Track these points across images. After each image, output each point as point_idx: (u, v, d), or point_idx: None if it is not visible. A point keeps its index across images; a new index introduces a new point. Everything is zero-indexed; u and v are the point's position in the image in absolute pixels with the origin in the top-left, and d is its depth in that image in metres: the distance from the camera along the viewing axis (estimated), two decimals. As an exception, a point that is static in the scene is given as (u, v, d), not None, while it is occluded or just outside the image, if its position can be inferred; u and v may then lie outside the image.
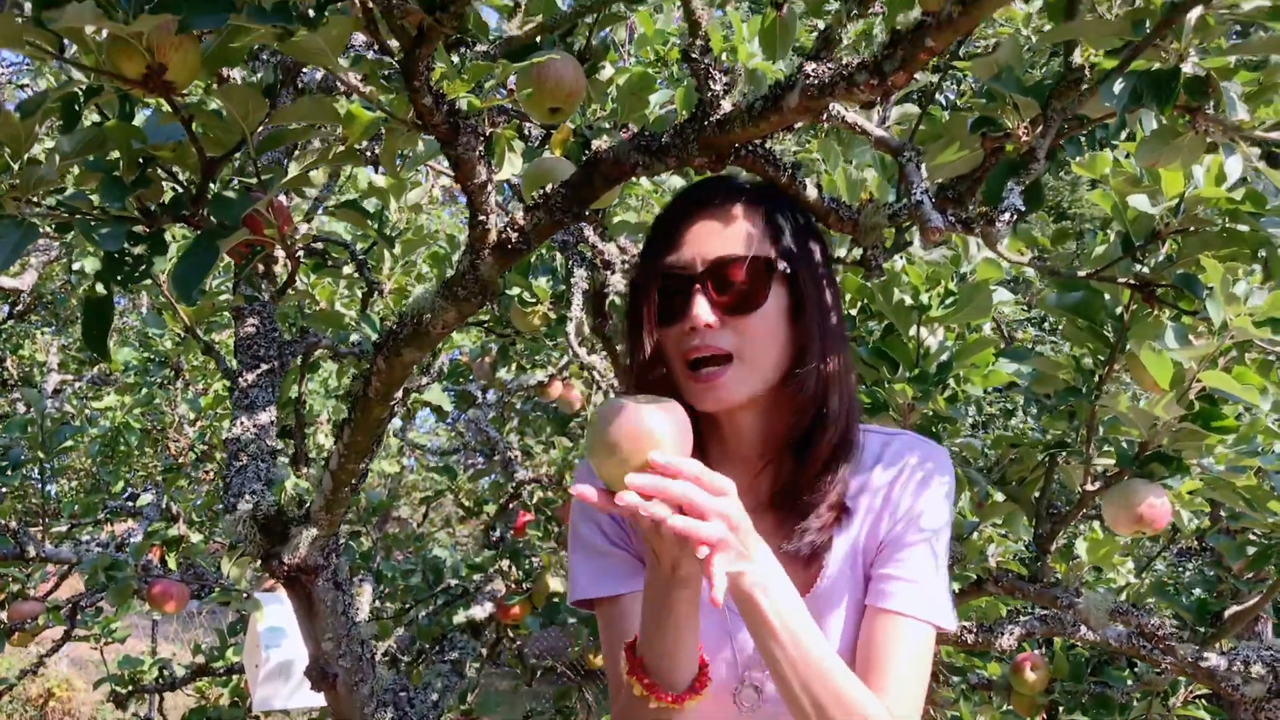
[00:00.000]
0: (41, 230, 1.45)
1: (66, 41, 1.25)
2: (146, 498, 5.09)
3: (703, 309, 1.30)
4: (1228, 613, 2.47)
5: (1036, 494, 2.21)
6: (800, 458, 1.34)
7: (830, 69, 1.30)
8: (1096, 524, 2.82)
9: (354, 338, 2.57)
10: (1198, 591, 2.74)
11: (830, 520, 1.32)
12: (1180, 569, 7.00)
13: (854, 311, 2.17)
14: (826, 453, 1.33)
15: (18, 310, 8.20)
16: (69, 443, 3.57)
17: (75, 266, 4.25)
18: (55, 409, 4.58)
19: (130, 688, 4.01)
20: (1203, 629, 2.56)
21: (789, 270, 1.35)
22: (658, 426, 1.10)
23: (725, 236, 1.35)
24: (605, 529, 1.42)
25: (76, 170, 1.50)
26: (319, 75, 2.27)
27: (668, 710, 1.20)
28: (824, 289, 1.39)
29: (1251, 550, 2.27)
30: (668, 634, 1.17)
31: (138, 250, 1.52)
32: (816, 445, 1.33)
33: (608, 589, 1.38)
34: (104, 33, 1.23)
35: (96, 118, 1.48)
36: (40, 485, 3.46)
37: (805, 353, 1.34)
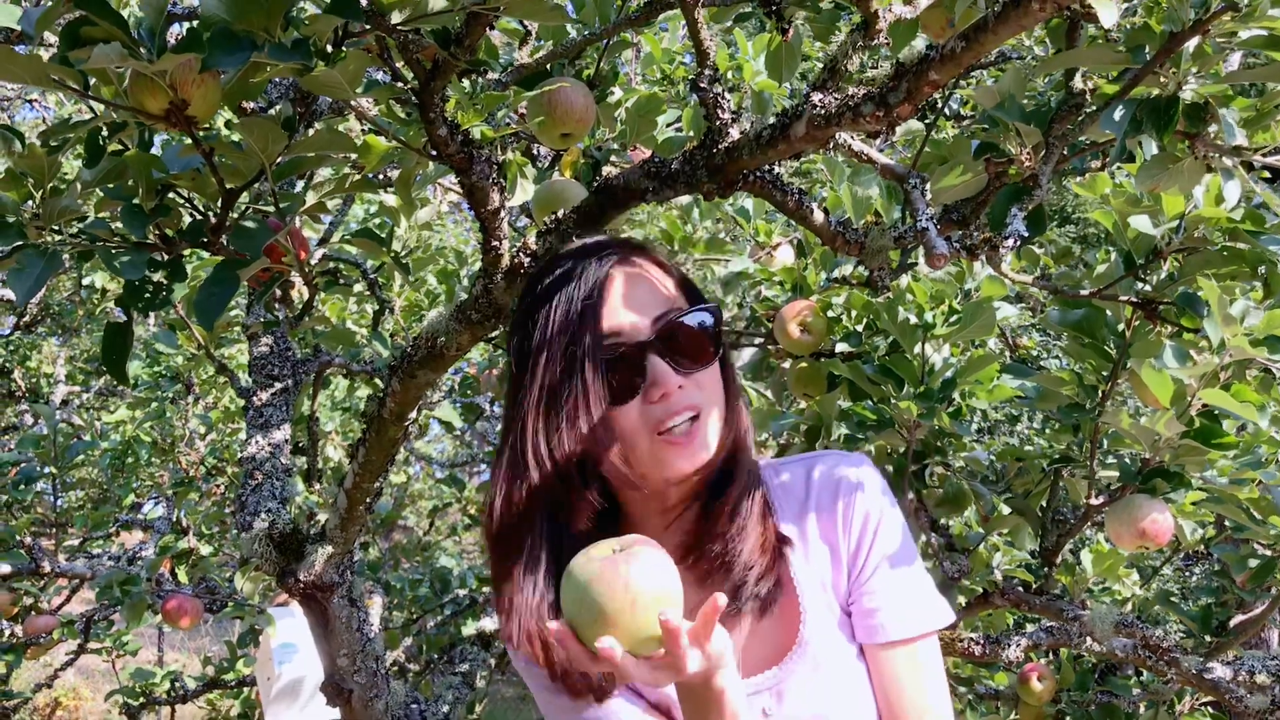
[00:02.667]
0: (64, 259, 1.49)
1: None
2: (156, 510, 5.13)
3: (669, 374, 1.21)
4: (1233, 622, 2.50)
5: (1041, 506, 2.23)
6: (707, 507, 1.28)
7: (836, 99, 1.33)
8: (1102, 536, 2.84)
9: (365, 354, 2.60)
10: (1204, 600, 2.76)
11: (766, 566, 1.26)
12: (1187, 574, 7.02)
13: (859, 328, 2.19)
14: (734, 498, 1.27)
15: (25, 321, 8.24)
16: (80, 458, 3.60)
17: (85, 281, 4.29)
18: (64, 421, 4.61)
19: (142, 700, 4.04)
20: (1208, 638, 2.58)
21: (717, 317, 1.30)
22: (666, 584, 1.03)
23: (653, 294, 1.27)
24: None
25: (96, 197, 1.54)
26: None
27: None
28: (723, 333, 1.34)
29: (1255, 563, 2.29)
30: None
31: (157, 276, 1.55)
32: (726, 492, 1.28)
33: None
34: (127, 70, 1.27)
35: (115, 146, 1.50)
36: (53, 500, 3.49)
37: (730, 400, 1.30)
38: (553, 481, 1.22)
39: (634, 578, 1.01)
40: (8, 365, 8.54)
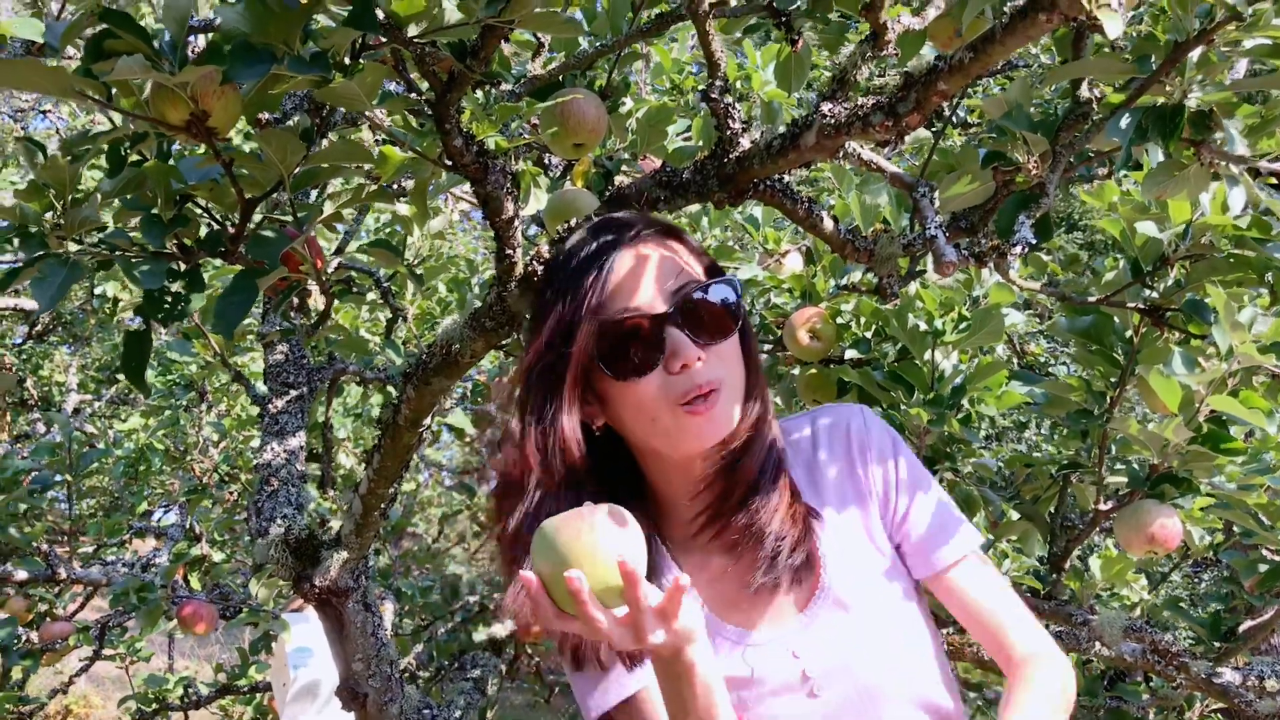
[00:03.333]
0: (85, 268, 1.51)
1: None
2: (168, 518, 5.16)
3: (688, 345, 1.22)
4: (1242, 628, 2.50)
5: (1050, 512, 2.25)
6: (730, 479, 1.30)
7: (846, 109, 1.35)
8: (1110, 541, 2.85)
9: (378, 362, 2.62)
10: (1213, 605, 2.76)
11: (798, 538, 1.28)
12: (1196, 580, 7.01)
13: (868, 335, 2.21)
14: (754, 470, 1.29)
15: (36, 330, 8.29)
16: (94, 465, 3.63)
17: (98, 290, 4.32)
18: (77, 429, 4.64)
19: (155, 706, 4.06)
20: (1218, 644, 2.58)
21: (736, 290, 1.31)
22: (627, 538, 1.07)
23: (667, 268, 1.27)
24: None
25: (115, 207, 1.56)
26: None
27: None
28: (746, 310, 1.36)
29: (1264, 568, 2.30)
30: (697, 706, 1.13)
31: (176, 286, 1.57)
32: (744, 464, 1.29)
33: (616, 694, 1.29)
34: (148, 81, 1.29)
35: (134, 157, 1.53)
36: (68, 508, 3.52)
37: (751, 374, 1.31)
38: (550, 460, 1.24)
39: (596, 528, 1.06)
40: (20, 374, 8.58)
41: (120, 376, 7.48)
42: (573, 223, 1.57)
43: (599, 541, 1.06)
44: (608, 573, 1.04)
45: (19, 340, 8.69)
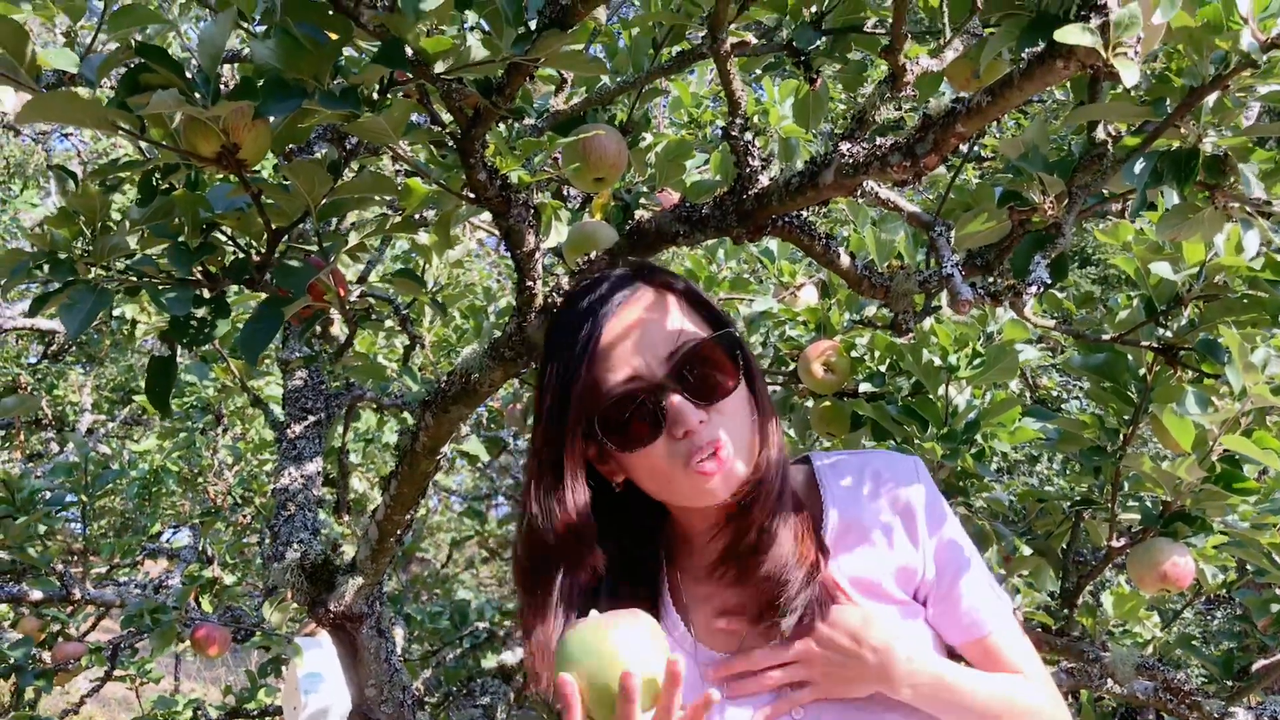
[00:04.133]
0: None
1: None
2: (179, 538, 5.17)
3: (689, 411, 1.21)
4: (1255, 666, 2.50)
5: (1063, 548, 2.25)
6: (740, 526, 1.29)
7: (864, 149, 1.37)
8: (1123, 578, 2.85)
9: (395, 388, 2.64)
10: (1225, 643, 2.76)
11: (804, 580, 1.26)
12: (1209, 617, 6.97)
13: (883, 368, 2.23)
14: (760, 519, 1.27)
15: (52, 350, 8.34)
16: (109, 486, 3.65)
17: (115, 312, 4.35)
18: (92, 449, 4.67)
19: (164, 728, 4.07)
20: (1230, 683, 2.58)
21: (736, 340, 1.30)
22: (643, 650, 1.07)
23: (663, 326, 1.26)
24: None
25: (141, 235, 1.58)
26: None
27: None
28: (750, 352, 1.35)
29: (1276, 608, 2.30)
30: None
31: (201, 313, 1.60)
32: (752, 513, 1.28)
33: None
34: (178, 115, 1.32)
35: (163, 185, 1.55)
36: (83, 528, 3.54)
37: (762, 419, 1.30)
38: (563, 534, 1.25)
39: (624, 637, 1.07)
40: (35, 393, 8.62)
41: (135, 397, 7.52)
42: (586, 257, 1.60)
43: (628, 649, 1.06)
44: (643, 681, 1.04)
45: (35, 359, 8.74)
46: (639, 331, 1.24)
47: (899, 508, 1.33)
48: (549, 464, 1.26)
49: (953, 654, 1.36)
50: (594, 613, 1.12)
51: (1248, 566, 2.46)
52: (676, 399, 1.22)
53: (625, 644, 1.06)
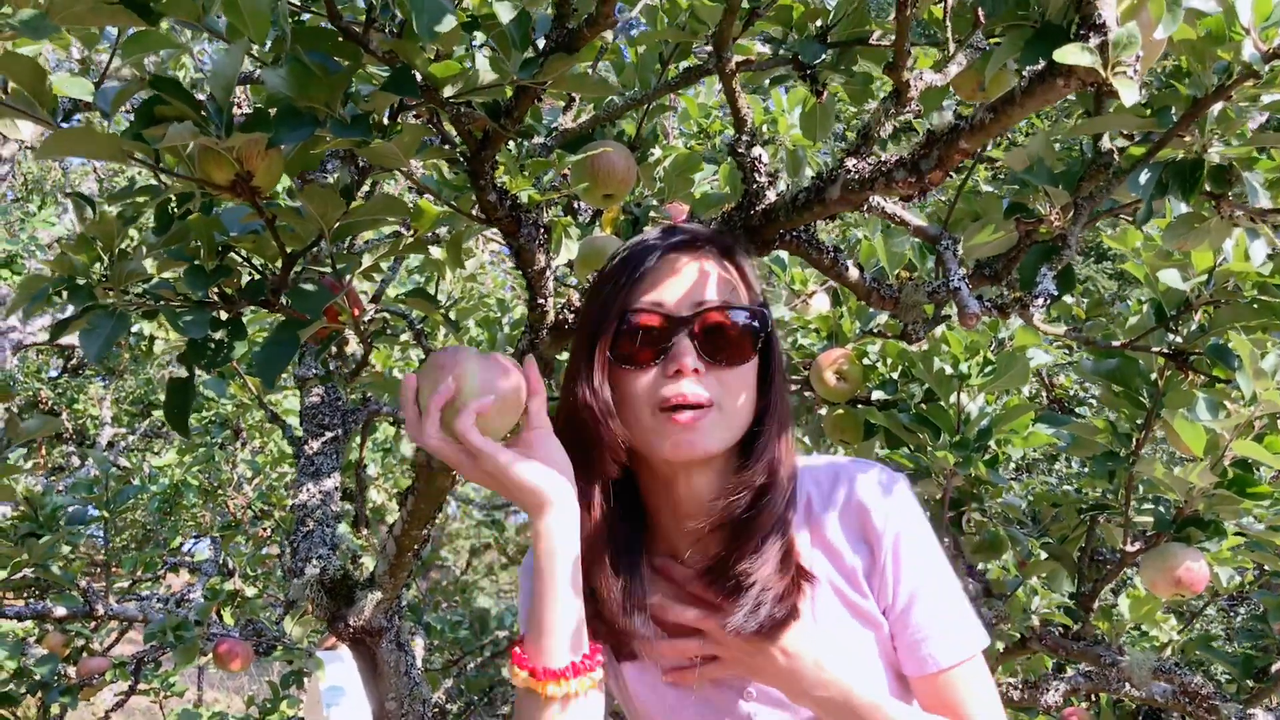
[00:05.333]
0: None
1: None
2: (199, 548, 5.21)
3: (689, 354, 1.23)
4: (1274, 668, 2.49)
5: (1079, 550, 2.26)
6: (740, 529, 1.27)
7: (870, 165, 1.38)
8: (1139, 580, 2.85)
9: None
10: (1244, 644, 2.75)
11: (785, 588, 1.24)
12: (1232, 614, 6.94)
13: (895, 376, 2.23)
14: (767, 525, 1.26)
15: (72, 365, 8.42)
16: (130, 501, 3.69)
17: (134, 329, 4.40)
18: (113, 465, 4.71)
19: (188, 740, 4.10)
20: (1250, 683, 2.57)
21: (767, 331, 1.30)
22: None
23: (709, 283, 1.28)
24: None
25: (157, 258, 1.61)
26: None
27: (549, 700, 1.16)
28: (781, 356, 1.36)
29: (1291, 612, 2.30)
30: (545, 602, 1.17)
31: (218, 335, 1.62)
32: (759, 517, 1.26)
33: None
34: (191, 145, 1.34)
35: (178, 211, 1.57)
36: (103, 542, 3.57)
37: (766, 417, 1.29)
38: (587, 417, 1.26)
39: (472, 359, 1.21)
40: (55, 407, 8.69)
41: (154, 411, 7.57)
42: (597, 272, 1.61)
43: (478, 370, 1.20)
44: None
45: (54, 374, 8.82)
46: (685, 276, 1.28)
47: (863, 525, 1.29)
48: (583, 358, 1.29)
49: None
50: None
51: (1265, 567, 2.46)
52: (685, 341, 1.24)
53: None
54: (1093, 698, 3.12)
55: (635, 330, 1.25)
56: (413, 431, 1.23)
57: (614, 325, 1.26)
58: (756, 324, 1.28)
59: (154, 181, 1.59)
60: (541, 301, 1.62)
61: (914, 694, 1.29)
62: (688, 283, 1.27)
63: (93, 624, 3.57)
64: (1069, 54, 1.04)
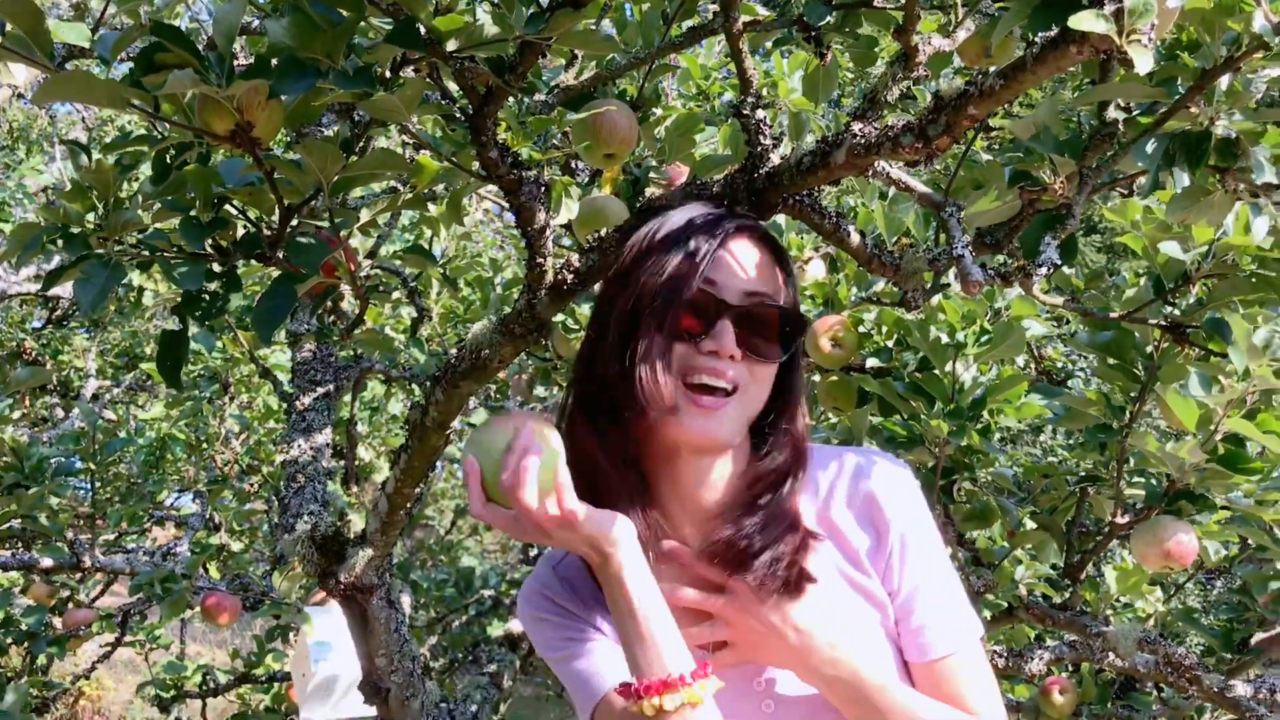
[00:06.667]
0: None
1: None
2: (183, 501, 5.20)
3: (730, 339, 1.24)
4: (1255, 640, 2.52)
5: (1067, 522, 2.27)
6: (749, 511, 1.28)
7: (876, 129, 1.37)
8: (1126, 553, 2.87)
9: (403, 360, 2.65)
10: (1225, 615, 2.78)
11: (795, 552, 1.26)
12: (1209, 587, 7.01)
13: (890, 344, 2.23)
14: (778, 508, 1.28)
15: (56, 315, 8.35)
16: (117, 454, 3.68)
17: (125, 279, 4.36)
18: (99, 416, 4.69)
19: (173, 693, 4.11)
20: (1230, 655, 2.60)
21: (801, 335, 1.33)
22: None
23: (761, 274, 1.30)
24: (557, 599, 1.37)
25: (156, 208, 1.59)
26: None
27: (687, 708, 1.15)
28: (803, 347, 1.38)
29: (1276, 586, 2.32)
30: (645, 629, 1.17)
31: (213, 287, 1.61)
32: (772, 500, 1.28)
33: (598, 687, 1.29)
34: (191, 93, 1.32)
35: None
36: (90, 495, 3.56)
37: (780, 415, 1.32)
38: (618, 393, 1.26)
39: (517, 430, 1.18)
40: (39, 358, 8.63)
41: (140, 364, 7.53)
42: (597, 233, 1.60)
43: (539, 434, 1.16)
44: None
45: (38, 324, 8.75)
46: (744, 264, 1.29)
47: (871, 512, 1.31)
48: (629, 325, 1.26)
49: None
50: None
51: (1249, 541, 2.48)
52: (729, 325, 1.25)
53: (520, 434, 1.17)
54: (1074, 668, 3.16)
55: (684, 304, 1.25)
56: (483, 511, 1.20)
57: (673, 296, 1.24)
58: (793, 326, 1.30)
59: (151, 130, 1.58)
60: (540, 261, 1.60)
61: (914, 680, 1.30)
62: (742, 269, 1.29)
63: (79, 576, 3.56)
64: (1084, 20, 1.03)
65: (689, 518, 1.32)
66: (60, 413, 8.73)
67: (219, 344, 3.40)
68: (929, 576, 1.30)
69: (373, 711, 2.49)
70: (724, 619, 1.28)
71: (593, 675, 1.31)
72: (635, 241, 1.34)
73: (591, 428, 1.29)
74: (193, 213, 1.54)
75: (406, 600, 3.80)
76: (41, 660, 3.58)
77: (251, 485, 4.17)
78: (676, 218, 1.33)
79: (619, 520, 1.19)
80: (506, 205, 1.91)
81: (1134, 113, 1.46)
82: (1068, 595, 2.27)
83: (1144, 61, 1.03)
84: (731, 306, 1.26)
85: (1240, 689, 2.19)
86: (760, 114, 1.50)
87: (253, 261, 1.56)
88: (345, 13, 1.29)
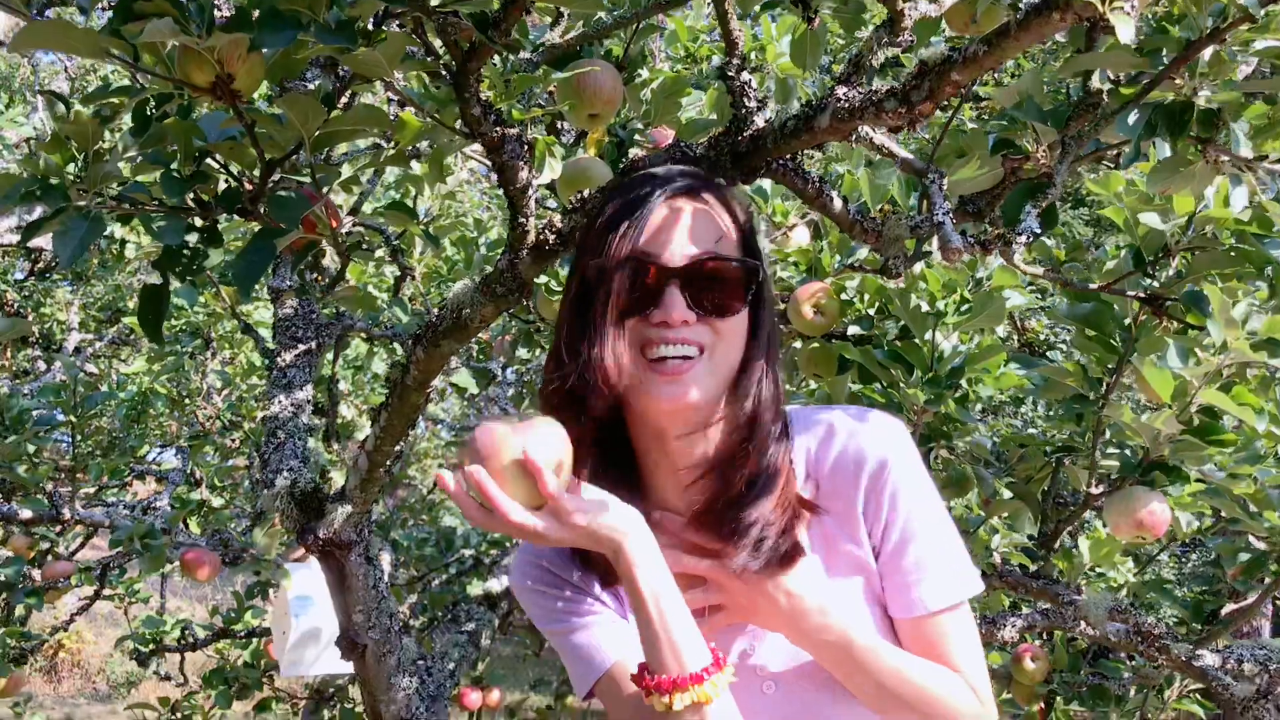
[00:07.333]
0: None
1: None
2: (164, 457, 5.19)
3: (679, 306, 1.22)
4: (1224, 611, 2.55)
5: (1043, 492, 2.29)
6: (732, 471, 1.27)
7: (860, 94, 1.37)
8: (1100, 523, 2.90)
9: (385, 318, 2.65)
10: (1196, 588, 2.82)
11: (786, 522, 1.26)
12: (1183, 560, 7.09)
13: (872, 312, 2.24)
14: (758, 464, 1.26)
15: (39, 268, 8.29)
16: (99, 407, 3.66)
17: (105, 232, 4.33)
18: (80, 369, 4.68)
19: (152, 646, 4.13)
20: (1200, 626, 2.64)
21: (759, 280, 1.29)
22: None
23: (703, 230, 1.26)
24: (552, 568, 1.36)
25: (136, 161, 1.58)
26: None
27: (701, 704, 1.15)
28: (772, 299, 1.35)
29: (1245, 557, 2.35)
30: (659, 624, 1.16)
31: (193, 241, 1.60)
32: (750, 456, 1.26)
33: (600, 665, 1.31)
34: (171, 44, 1.31)
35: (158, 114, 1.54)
36: (71, 448, 3.55)
37: (750, 363, 1.29)
38: (577, 383, 1.23)
39: (513, 429, 1.14)
40: (21, 310, 8.57)
41: (123, 318, 7.49)
42: (580, 194, 1.60)
43: (510, 438, 1.13)
44: (518, 469, 1.12)
45: (20, 275, 8.68)
46: (681, 223, 1.26)
47: (864, 470, 1.29)
48: (581, 318, 1.26)
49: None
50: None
51: (1221, 513, 2.50)
52: (676, 291, 1.23)
53: (518, 435, 1.14)
54: (1046, 636, 3.19)
55: (628, 281, 1.23)
56: (482, 521, 1.15)
57: (611, 275, 1.23)
58: (748, 274, 1.27)
59: (131, 81, 1.57)
60: (522, 221, 1.60)
61: (899, 636, 1.30)
62: (680, 231, 1.25)
63: (58, 528, 3.56)
64: (1068, -12, 1.03)
65: (673, 479, 1.31)
66: (42, 365, 8.68)
67: (201, 299, 3.38)
68: (919, 529, 1.29)
69: (351, 667, 2.51)
70: (717, 584, 1.28)
71: (594, 650, 1.31)
72: (582, 231, 1.33)
73: (572, 414, 1.25)
74: (173, 166, 1.53)
75: (386, 558, 3.82)
76: (20, 611, 3.58)
77: (233, 441, 4.17)
78: (615, 199, 1.30)
79: (623, 511, 1.18)
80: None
81: (1117, 84, 1.47)
82: (1042, 564, 2.29)
83: (1126, 30, 1.03)
84: (674, 270, 1.23)
85: (1208, 658, 2.22)
86: (745, 76, 1.50)
87: (234, 217, 1.56)
88: (328, -35, 1.28)
